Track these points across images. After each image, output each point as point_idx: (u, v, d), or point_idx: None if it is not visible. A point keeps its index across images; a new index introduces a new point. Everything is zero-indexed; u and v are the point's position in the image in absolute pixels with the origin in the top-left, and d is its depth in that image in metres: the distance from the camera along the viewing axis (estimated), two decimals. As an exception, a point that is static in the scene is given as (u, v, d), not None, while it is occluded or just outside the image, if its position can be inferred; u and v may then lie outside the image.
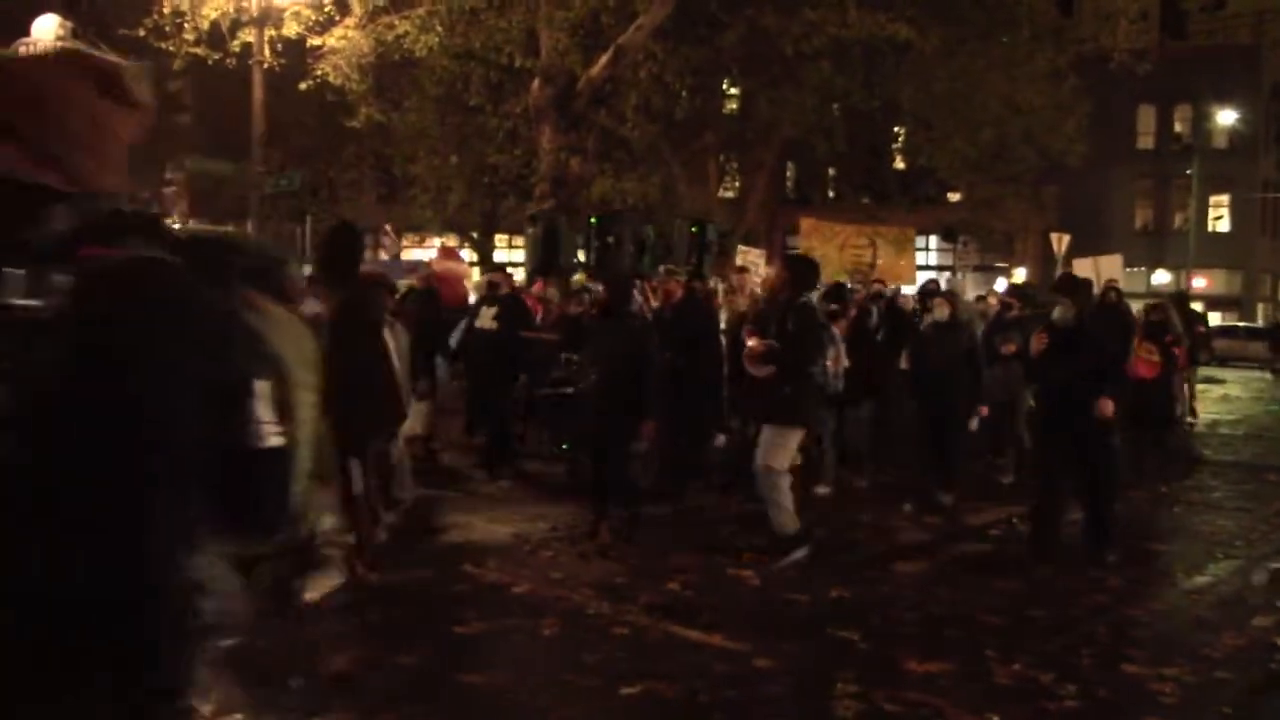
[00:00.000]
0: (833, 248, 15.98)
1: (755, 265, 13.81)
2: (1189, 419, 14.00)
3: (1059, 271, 22.05)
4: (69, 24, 14.58)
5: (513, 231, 29.60)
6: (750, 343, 7.25)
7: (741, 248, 14.22)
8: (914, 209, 27.56)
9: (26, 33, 14.43)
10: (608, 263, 12.48)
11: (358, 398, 5.79)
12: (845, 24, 14.28)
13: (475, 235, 28.45)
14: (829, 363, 7.57)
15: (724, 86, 22.48)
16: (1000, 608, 6.11)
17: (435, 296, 10.63)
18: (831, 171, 34.69)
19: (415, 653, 5.14)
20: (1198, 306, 26.59)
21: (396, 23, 16.00)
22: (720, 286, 12.23)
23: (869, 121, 22.48)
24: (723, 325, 10.14)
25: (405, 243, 42.15)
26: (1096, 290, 13.81)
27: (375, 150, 23.40)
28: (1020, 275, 36.68)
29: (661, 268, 10.77)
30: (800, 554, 6.80)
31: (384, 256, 18.72)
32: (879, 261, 15.35)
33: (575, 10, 14.67)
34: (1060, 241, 22.04)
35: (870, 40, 15.72)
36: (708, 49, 17.42)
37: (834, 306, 9.06)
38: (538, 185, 15.76)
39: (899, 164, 30.61)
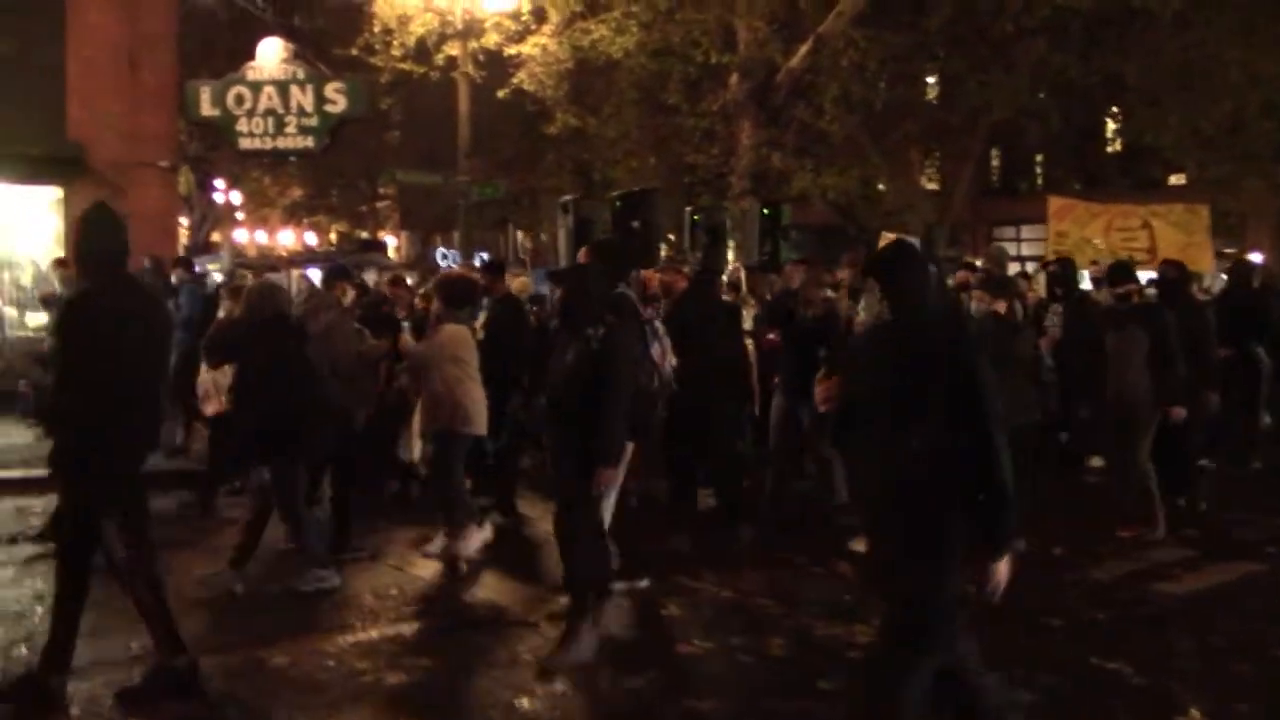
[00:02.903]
0: (1095, 230, 13.65)
1: None
2: None
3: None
4: (291, 46, 15.47)
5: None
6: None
7: (886, 234, 12.73)
8: (1135, 193, 25.68)
9: (252, 57, 15.32)
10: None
11: (85, 421, 4.44)
12: (1074, -8, 13.23)
13: (670, 237, 28.42)
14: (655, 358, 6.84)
15: (926, 74, 21.47)
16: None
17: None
18: (1039, 158, 32.83)
19: (640, 674, 4.91)
20: None
21: (592, 27, 16.07)
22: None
23: (1085, 101, 21.02)
24: (748, 324, 8.82)
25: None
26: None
27: (574, 156, 23.66)
28: (1256, 259, 33.75)
29: (663, 255, 8.87)
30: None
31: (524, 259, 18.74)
32: (1158, 245, 13.18)
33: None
34: (1307, 222, 19.87)
35: (1095, 11, 14.58)
36: (913, 33, 16.64)
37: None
38: (737, 182, 15.44)
39: (1115, 146, 28.62)
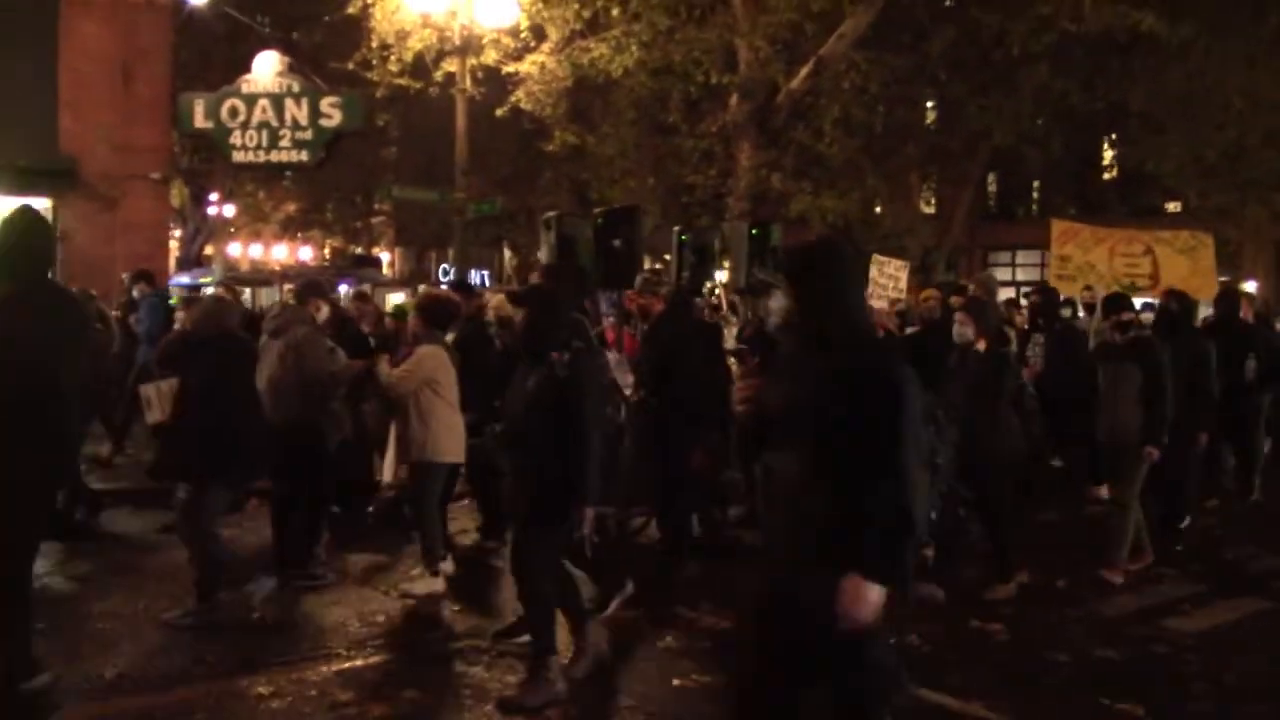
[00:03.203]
0: (1098, 256, 13.36)
1: (895, 279, 12.29)
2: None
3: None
4: (287, 60, 15.33)
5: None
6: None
7: (878, 257, 12.36)
8: (1133, 220, 25.68)
9: (248, 69, 15.18)
10: (614, 272, 10.08)
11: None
12: (1079, 17, 13.08)
13: (666, 258, 28.33)
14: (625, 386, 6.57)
15: (927, 98, 21.40)
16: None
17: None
18: (1036, 183, 32.88)
19: (633, 710, 4.72)
20: None
21: (591, 46, 15.96)
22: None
23: (1085, 127, 21.01)
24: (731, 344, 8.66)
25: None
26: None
27: (571, 175, 23.58)
28: (1250, 288, 33.74)
29: (640, 276, 8.25)
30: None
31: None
32: (1161, 273, 12.48)
33: (779, 15, 14.11)
34: (1307, 251, 19.80)
35: (1097, 37, 14.51)
36: (914, 56, 16.57)
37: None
38: (736, 204, 15.31)
39: (1112, 172, 28.63)
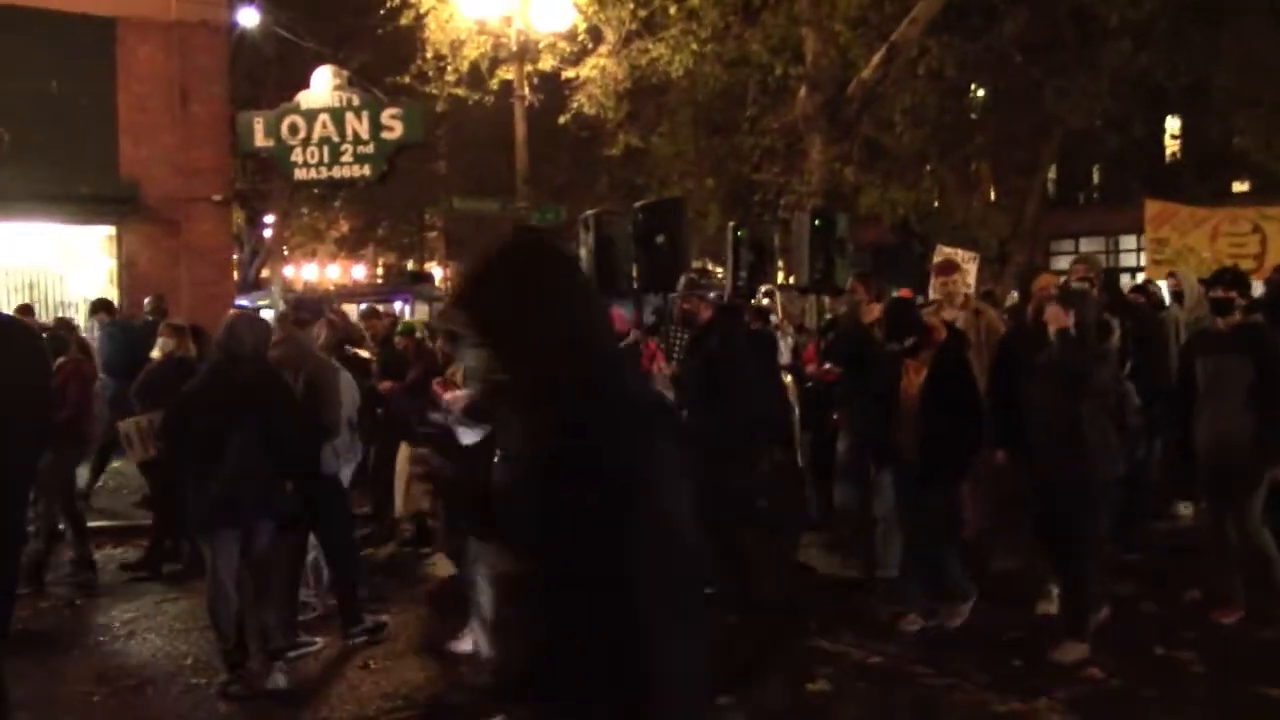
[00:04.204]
0: (1199, 238, 12.51)
1: (966, 271, 11.48)
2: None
3: None
4: (344, 73, 15.03)
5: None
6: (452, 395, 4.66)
7: (944, 247, 11.43)
8: (1201, 202, 24.77)
9: (306, 85, 14.89)
10: (657, 272, 8.85)
11: None
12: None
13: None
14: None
15: (999, 83, 20.64)
16: None
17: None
18: (1095, 168, 31.99)
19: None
20: None
21: (650, 46, 15.58)
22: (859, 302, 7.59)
23: (1153, 105, 20.20)
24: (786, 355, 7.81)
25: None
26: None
27: (628, 180, 23.16)
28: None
29: (683, 277, 7.19)
30: None
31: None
32: (1268, 252, 11.78)
33: (852, 3, 13.59)
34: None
35: (1184, 7, 13.82)
36: (989, 37, 15.93)
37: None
38: (809, 200, 14.73)
39: (1174, 152, 27.75)
